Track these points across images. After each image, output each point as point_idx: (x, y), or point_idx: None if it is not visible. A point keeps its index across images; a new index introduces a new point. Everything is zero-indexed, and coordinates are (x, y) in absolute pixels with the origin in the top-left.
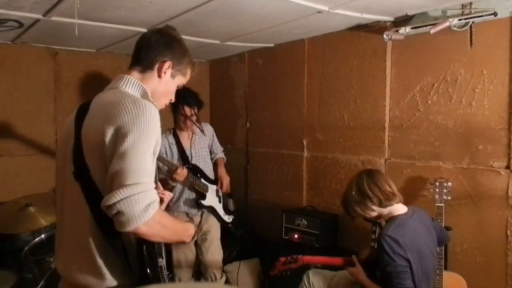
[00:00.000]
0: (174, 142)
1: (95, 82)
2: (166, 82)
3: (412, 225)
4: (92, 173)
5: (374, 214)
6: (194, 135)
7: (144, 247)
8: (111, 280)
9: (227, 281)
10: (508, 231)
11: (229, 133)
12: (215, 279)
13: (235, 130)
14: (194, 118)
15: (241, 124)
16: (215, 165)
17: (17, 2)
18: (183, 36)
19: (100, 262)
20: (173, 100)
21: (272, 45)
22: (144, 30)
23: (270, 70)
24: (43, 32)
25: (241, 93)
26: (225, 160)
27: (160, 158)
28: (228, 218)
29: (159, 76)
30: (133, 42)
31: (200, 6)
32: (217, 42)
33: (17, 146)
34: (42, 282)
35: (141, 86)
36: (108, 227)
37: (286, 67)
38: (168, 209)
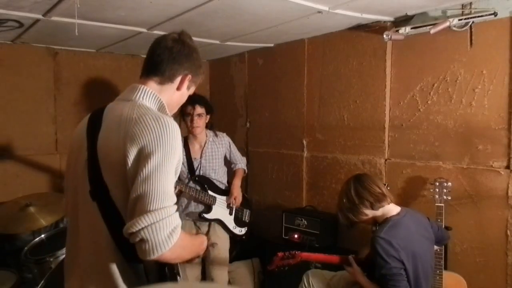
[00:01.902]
0: (183, 154)
1: (95, 82)
2: (182, 93)
3: (405, 225)
4: (112, 193)
5: (368, 218)
6: (206, 144)
7: (166, 269)
8: None
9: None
10: (508, 231)
11: (229, 133)
12: None
13: (235, 130)
14: (202, 119)
15: (241, 124)
16: (232, 175)
17: (17, 2)
18: None
19: (122, 285)
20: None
21: (272, 45)
22: (144, 30)
23: (270, 70)
24: (43, 32)
25: (241, 93)
26: (246, 171)
27: None
28: (239, 231)
29: (178, 88)
30: (133, 42)
31: (200, 6)
32: (217, 42)
33: (17, 146)
34: (42, 282)
35: (158, 98)
36: (130, 252)
37: (286, 67)
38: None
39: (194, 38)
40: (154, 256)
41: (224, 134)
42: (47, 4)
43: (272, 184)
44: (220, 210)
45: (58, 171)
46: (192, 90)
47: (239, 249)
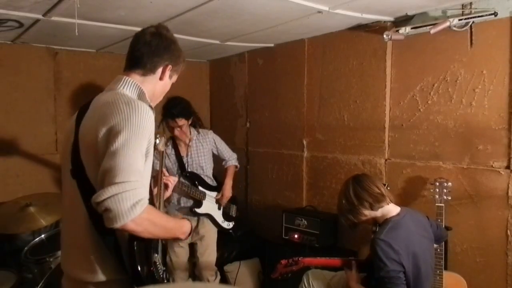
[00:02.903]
0: (173, 153)
1: (95, 82)
2: (165, 83)
3: (405, 225)
4: (87, 171)
5: (368, 218)
6: (191, 142)
7: (135, 243)
8: (103, 275)
9: (226, 281)
10: (508, 231)
11: (229, 133)
12: (209, 281)
13: (235, 130)
14: (184, 127)
15: (241, 124)
16: (224, 173)
17: (17, 2)
18: (183, 36)
19: (92, 257)
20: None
21: (272, 45)
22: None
23: (270, 70)
24: (43, 32)
25: (241, 93)
26: (238, 167)
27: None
28: (227, 225)
29: (161, 78)
30: None
31: (200, 6)
32: (217, 42)
33: (17, 146)
34: (42, 282)
35: (138, 87)
36: (101, 224)
37: (286, 67)
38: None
39: (194, 38)
40: (118, 224)
41: (209, 131)
42: (47, 4)
43: (272, 184)
44: (209, 205)
45: (58, 171)
46: (174, 78)
47: (239, 249)
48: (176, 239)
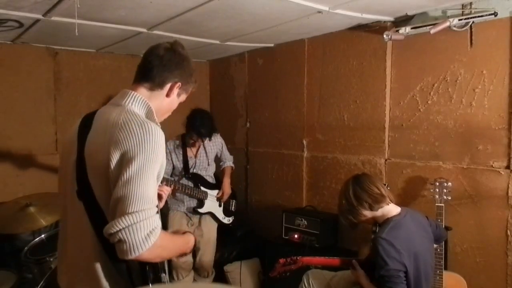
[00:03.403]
0: (181, 152)
1: (95, 82)
2: (171, 100)
3: (406, 225)
4: (96, 193)
5: (368, 218)
6: (201, 145)
7: (147, 266)
8: None
9: (226, 281)
10: (508, 231)
11: (229, 133)
12: (207, 275)
13: (235, 130)
14: (201, 144)
15: (241, 124)
16: (222, 173)
17: (17, 2)
18: (183, 36)
19: (104, 283)
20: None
21: (272, 45)
22: (144, 30)
23: (270, 70)
24: (43, 32)
25: (241, 93)
26: (233, 168)
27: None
28: (227, 220)
29: (168, 95)
30: (133, 42)
31: (200, 6)
32: (217, 42)
33: (17, 146)
34: (42, 282)
35: (146, 104)
36: (113, 251)
37: (286, 67)
38: (166, 206)
39: (194, 38)
40: (132, 256)
41: (217, 135)
42: (47, 4)
43: (272, 184)
44: (211, 203)
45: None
46: (182, 98)
47: (239, 249)
48: (183, 254)
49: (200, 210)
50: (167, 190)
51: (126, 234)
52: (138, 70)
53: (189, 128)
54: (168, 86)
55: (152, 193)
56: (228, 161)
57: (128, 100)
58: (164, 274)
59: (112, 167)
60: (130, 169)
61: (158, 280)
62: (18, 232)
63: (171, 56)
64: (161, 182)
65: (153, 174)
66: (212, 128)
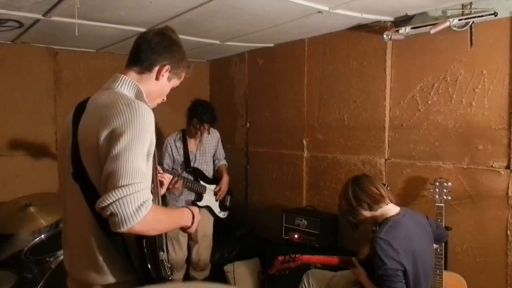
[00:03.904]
0: (181, 146)
1: (95, 82)
2: (162, 84)
3: (405, 225)
4: (90, 174)
5: (367, 218)
6: (202, 138)
7: (144, 241)
8: (112, 277)
9: (226, 281)
10: (508, 231)
11: (229, 133)
12: (204, 269)
13: (235, 130)
14: (205, 132)
15: (241, 124)
16: (219, 171)
17: (17, 2)
18: (183, 36)
19: (101, 259)
20: (165, 100)
21: (272, 45)
22: (144, 30)
23: (270, 70)
24: (43, 32)
25: (241, 93)
26: (226, 165)
27: (163, 168)
28: (223, 215)
29: (157, 78)
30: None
31: (200, 6)
32: (217, 42)
33: (17, 146)
34: (42, 282)
35: (136, 86)
36: (108, 226)
37: (286, 67)
38: (164, 201)
39: (194, 38)
40: (124, 228)
41: (215, 130)
42: (47, 4)
43: (272, 184)
44: (209, 197)
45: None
46: (174, 82)
47: (239, 249)
48: (182, 229)
49: (199, 203)
50: (168, 178)
51: (117, 207)
52: (129, 55)
53: (192, 115)
54: (156, 69)
55: (142, 167)
56: (223, 159)
57: (118, 83)
58: (162, 252)
59: (101, 145)
60: (119, 145)
61: (155, 258)
62: (18, 232)
63: (160, 40)
64: (164, 171)
65: (142, 150)
66: (214, 116)
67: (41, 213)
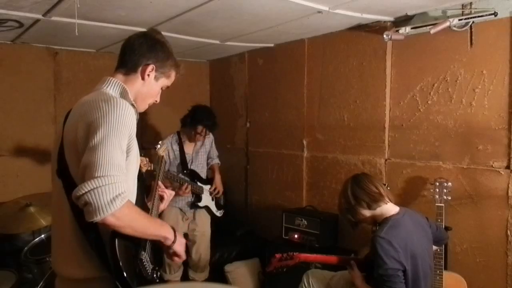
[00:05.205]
0: (178, 149)
1: (95, 82)
2: (149, 84)
3: (405, 225)
4: (71, 170)
5: (367, 217)
6: (198, 141)
7: (116, 240)
8: (89, 272)
9: (226, 281)
10: (508, 231)
11: (229, 133)
12: (203, 270)
13: (235, 130)
14: (205, 137)
15: (241, 124)
16: (211, 170)
17: (17, 2)
18: (183, 36)
19: (80, 253)
20: (158, 101)
21: (272, 45)
22: (144, 30)
23: (270, 70)
24: (43, 32)
25: (241, 93)
26: (219, 164)
27: (171, 176)
28: (219, 213)
29: (143, 78)
30: None
31: (200, 6)
32: (217, 42)
33: (17, 146)
34: (42, 282)
35: (121, 85)
36: (84, 220)
37: (286, 67)
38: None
39: (194, 38)
40: (97, 218)
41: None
42: (47, 4)
43: (272, 184)
44: (206, 198)
45: None
46: (164, 82)
47: (239, 249)
48: (165, 248)
49: (200, 204)
50: (170, 194)
51: (92, 196)
52: (117, 59)
53: (195, 121)
54: (140, 69)
55: (119, 161)
56: (216, 159)
57: (105, 84)
58: (143, 252)
59: (79, 139)
60: (96, 137)
61: (134, 256)
62: (18, 232)
63: (143, 41)
64: (172, 179)
65: (119, 144)
66: (216, 122)
67: (41, 213)
